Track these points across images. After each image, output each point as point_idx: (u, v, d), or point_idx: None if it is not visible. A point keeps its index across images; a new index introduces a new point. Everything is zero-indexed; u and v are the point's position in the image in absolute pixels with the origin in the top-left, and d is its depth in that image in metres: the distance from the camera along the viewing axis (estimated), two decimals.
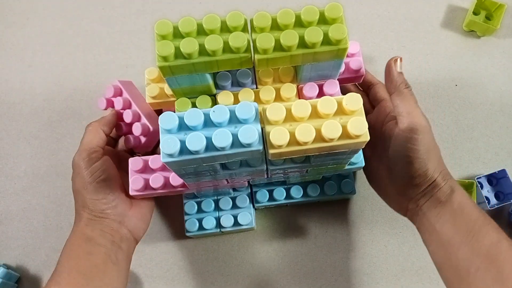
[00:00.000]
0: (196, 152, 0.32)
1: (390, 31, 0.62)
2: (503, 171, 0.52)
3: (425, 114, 0.39)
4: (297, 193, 0.51)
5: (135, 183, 0.44)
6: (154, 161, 0.45)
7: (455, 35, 0.62)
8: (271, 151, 0.34)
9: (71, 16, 0.65)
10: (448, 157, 0.56)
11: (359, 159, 0.45)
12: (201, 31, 0.36)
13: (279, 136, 0.33)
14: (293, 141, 0.33)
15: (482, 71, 0.60)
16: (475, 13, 0.61)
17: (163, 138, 0.33)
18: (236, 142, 0.33)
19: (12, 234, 0.55)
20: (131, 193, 0.44)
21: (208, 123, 0.34)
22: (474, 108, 0.58)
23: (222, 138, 0.32)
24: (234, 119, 0.34)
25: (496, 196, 0.54)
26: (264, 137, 0.34)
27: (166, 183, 0.44)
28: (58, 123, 0.59)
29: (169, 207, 0.55)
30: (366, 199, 0.54)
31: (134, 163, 0.45)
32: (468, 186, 0.53)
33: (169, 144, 0.32)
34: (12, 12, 0.66)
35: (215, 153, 0.33)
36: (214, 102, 0.43)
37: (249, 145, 0.32)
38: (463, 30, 0.62)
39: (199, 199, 0.51)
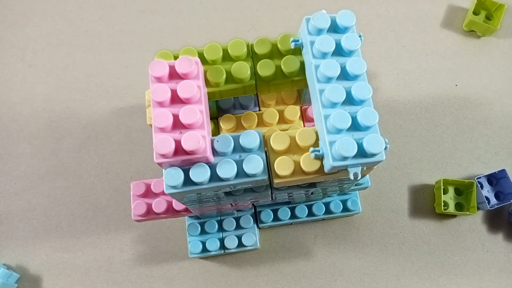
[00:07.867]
0: (200, 183, 0.31)
1: (390, 31, 0.62)
2: (503, 171, 0.52)
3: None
4: (302, 212, 0.50)
5: (137, 208, 0.42)
6: (156, 185, 0.43)
7: (455, 35, 0.62)
8: (275, 180, 0.33)
9: (71, 16, 0.65)
10: (448, 157, 0.56)
11: (365, 179, 0.44)
12: (203, 61, 0.35)
13: (283, 166, 0.32)
14: (298, 170, 0.33)
15: (482, 71, 0.60)
16: (475, 13, 0.61)
17: (166, 170, 0.31)
18: (240, 172, 0.32)
19: (12, 234, 0.55)
20: (133, 218, 0.43)
21: (212, 151, 0.32)
22: (474, 108, 0.58)
23: (226, 169, 0.31)
24: (238, 148, 0.32)
25: (496, 196, 0.54)
26: (268, 165, 0.33)
27: (169, 208, 0.43)
28: (58, 123, 0.59)
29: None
30: (367, 201, 0.55)
31: (136, 187, 0.43)
32: (468, 186, 0.53)
33: (172, 176, 0.31)
34: (12, 12, 0.66)
35: (219, 183, 0.32)
36: (217, 126, 0.42)
37: (254, 175, 0.32)
38: (463, 30, 0.62)
39: (202, 220, 0.50)
